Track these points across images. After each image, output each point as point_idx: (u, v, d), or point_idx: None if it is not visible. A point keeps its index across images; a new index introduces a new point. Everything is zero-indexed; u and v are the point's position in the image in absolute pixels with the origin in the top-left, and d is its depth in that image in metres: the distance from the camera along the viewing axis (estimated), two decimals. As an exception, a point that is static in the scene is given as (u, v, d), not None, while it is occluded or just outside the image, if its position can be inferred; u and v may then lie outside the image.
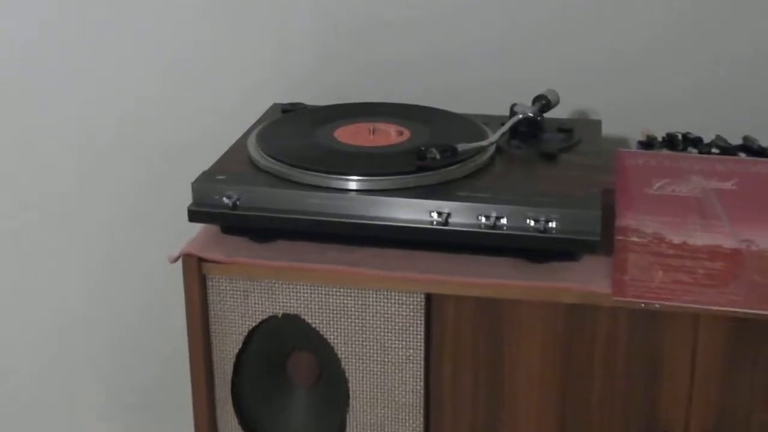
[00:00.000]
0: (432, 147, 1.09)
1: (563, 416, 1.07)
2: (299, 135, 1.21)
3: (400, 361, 1.10)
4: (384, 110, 1.29)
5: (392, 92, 1.39)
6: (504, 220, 1.05)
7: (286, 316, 1.12)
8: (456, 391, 1.10)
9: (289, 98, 1.41)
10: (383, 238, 1.10)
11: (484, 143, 1.17)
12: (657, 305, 1.00)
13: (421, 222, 1.07)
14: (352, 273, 1.08)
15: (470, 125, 1.24)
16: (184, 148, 1.50)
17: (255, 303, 1.13)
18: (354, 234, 1.09)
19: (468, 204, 1.06)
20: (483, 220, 1.05)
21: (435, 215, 1.06)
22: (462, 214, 1.06)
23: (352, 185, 1.09)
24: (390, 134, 1.21)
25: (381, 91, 1.41)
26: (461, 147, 1.12)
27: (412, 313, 1.09)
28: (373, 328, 1.10)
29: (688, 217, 1.07)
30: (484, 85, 1.39)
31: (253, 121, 1.32)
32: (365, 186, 1.09)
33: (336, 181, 1.09)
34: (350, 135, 1.21)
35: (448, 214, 1.06)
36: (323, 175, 1.10)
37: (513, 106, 1.24)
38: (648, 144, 1.23)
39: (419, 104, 1.31)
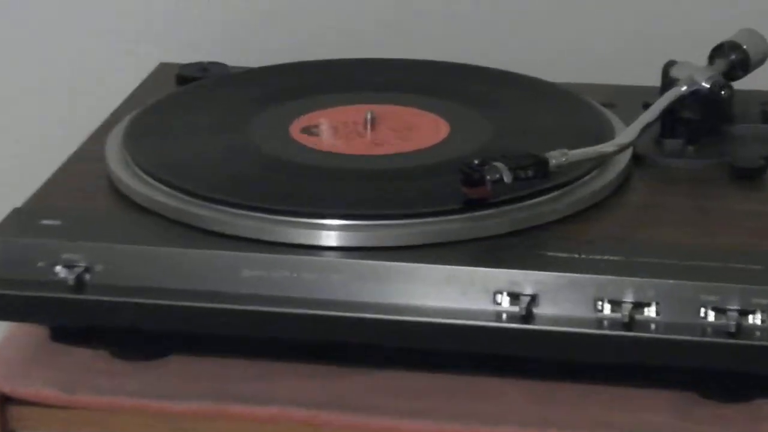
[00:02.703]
0: (496, 158, 1.09)
1: None
2: (215, 130, 1.25)
3: None
4: (393, 77, 1.35)
5: (407, 47, 1.44)
6: (651, 311, 1.04)
7: None
8: None
9: (192, 55, 1.45)
10: (396, 350, 1.10)
11: (607, 147, 1.17)
12: None
13: (478, 315, 1.06)
14: (332, 423, 1.09)
15: (577, 107, 1.28)
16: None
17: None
18: (335, 341, 1.10)
19: (574, 276, 1.05)
20: (606, 310, 1.05)
21: (505, 300, 1.06)
22: (562, 298, 1.05)
23: (330, 239, 1.09)
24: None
25: (383, 44, 1.49)
26: (557, 157, 1.11)
27: None
28: None
29: None
30: (599, 26, 1.48)
31: (120, 99, 1.35)
32: (358, 240, 1.10)
33: (297, 231, 1.09)
34: (324, 131, 1.23)
35: (533, 298, 1.05)
36: (271, 216, 1.10)
37: (668, 66, 1.25)
38: None
39: (466, 63, 1.38)
